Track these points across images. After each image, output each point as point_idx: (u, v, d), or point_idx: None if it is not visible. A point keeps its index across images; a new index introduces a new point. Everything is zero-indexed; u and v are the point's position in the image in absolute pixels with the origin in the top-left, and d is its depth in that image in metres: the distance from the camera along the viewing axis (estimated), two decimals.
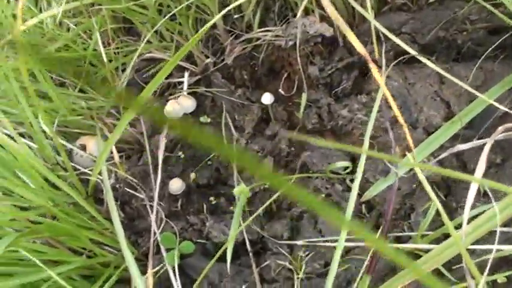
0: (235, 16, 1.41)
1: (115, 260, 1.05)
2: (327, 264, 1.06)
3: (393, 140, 0.99)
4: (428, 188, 0.82)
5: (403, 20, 1.26)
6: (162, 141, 1.14)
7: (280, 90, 1.36)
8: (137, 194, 1.14)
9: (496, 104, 0.96)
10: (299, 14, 1.17)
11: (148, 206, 1.13)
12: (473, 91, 0.99)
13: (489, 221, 0.85)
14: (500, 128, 0.86)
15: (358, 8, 1.07)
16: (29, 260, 0.83)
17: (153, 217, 1.07)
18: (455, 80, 0.99)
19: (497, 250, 0.89)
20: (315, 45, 1.29)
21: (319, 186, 1.19)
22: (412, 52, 0.99)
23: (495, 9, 1.10)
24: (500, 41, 1.18)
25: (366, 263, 1.01)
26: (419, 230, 1.01)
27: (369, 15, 1.04)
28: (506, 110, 0.96)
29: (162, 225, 1.10)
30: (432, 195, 0.86)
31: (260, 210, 1.04)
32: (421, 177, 0.92)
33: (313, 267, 1.05)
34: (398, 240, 1.07)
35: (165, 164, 1.28)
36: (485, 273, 0.73)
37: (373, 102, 1.21)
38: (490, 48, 1.19)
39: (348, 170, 1.17)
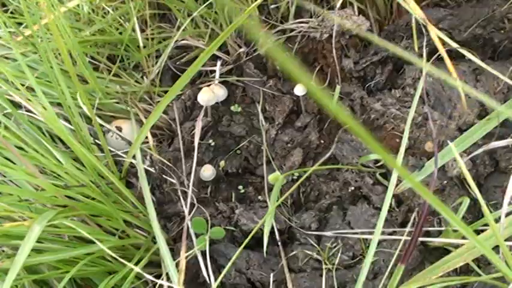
0: (272, 6, 1.41)
1: (146, 242, 1.07)
2: (355, 256, 1.07)
3: (434, 132, 0.99)
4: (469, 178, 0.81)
5: (441, 15, 1.25)
6: (199, 124, 1.15)
7: (312, 82, 1.36)
8: (169, 179, 1.16)
9: None
10: (338, 5, 1.17)
11: (179, 191, 1.14)
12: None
13: None
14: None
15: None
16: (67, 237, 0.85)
17: (183, 203, 1.08)
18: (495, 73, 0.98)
19: None
20: (350, 38, 1.29)
21: (349, 179, 1.19)
22: (454, 45, 0.98)
23: None
24: None
25: (398, 252, 1.02)
26: (449, 225, 1.00)
27: (412, 7, 1.03)
28: None
29: (194, 210, 1.11)
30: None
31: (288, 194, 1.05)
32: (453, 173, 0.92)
33: (341, 258, 1.06)
34: (428, 235, 1.07)
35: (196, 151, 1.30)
36: None
37: (407, 97, 1.21)
38: None
39: (378, 164, 1.17)
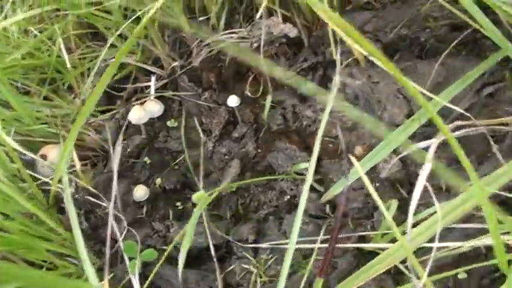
0: (201, 18, 1.40)
1: (76, 271, 1.04)
2: (291, 267, 1.06)
3: (343, 142, 0.99)
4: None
5: (365, 18, 1.26)
6: (118, 150, 1.13)
7: (246, 92, 1.36)
8: (100, 203, 1.14)
9: (450, 105, 0.95)
10: (258, 15, 1.16)
11: (111, 215, 1.12)
12: (428, 93, 0.99)
13: (444, 218, 0.85)
14: (450, 126, 0.86)
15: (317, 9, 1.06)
16: None
17: (109, 227, 1.06)
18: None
19: (454, 248, 0.89)
20: (280, 46, 1.29)
21: (285, 188, 1.18)
22: (365, 53, 0.98)
23: (454, 6, 1.10)
24: (461, 37, 1.18)
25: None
26: (380, 229, 1.00)
27: (330, 15, 1.03)
28: (461, 111, 0.96)
29: (124, 233, 1.09)
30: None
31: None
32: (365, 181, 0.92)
33: (276, 270, 1.05)
34: (363, 239, 1.07)
35: (131, 171, 1.28)
36: (427, 271, 0.73)
37: (338, 102, 1.21)
38: (452, 45, 1.18)
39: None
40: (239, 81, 1.39)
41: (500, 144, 1.11)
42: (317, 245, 1.00)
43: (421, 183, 0.76)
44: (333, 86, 0.93)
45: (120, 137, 1.21)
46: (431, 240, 0.84)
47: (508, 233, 0.85)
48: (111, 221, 1.00)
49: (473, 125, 0.95)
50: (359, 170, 0.93)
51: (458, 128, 0.92)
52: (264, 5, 1.14)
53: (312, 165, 0.82)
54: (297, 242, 1.07)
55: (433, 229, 0.84)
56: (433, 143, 0.85)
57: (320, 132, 0.84)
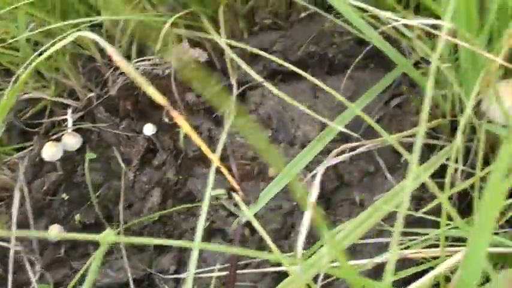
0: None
1: None
2: None
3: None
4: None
5: (273, 38, 1.28)
6: (33, 189, 1.10)
7: (164, 118, 1.35)
8: (12, 247, 1.10)
9: (362, 114, 0.96)
10: (156, 46, 1.16)
11: (25, 258, 1.09)
12: (346, 101, 1.01)
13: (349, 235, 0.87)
14: (334, 152, 0.88)
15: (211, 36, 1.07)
16: None
17: (30, 270, 1.03)
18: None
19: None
20: (192, 70, 1.29)
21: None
22: (256, 76, 1.00)
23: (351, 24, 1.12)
24: (366, 51, 1.21)
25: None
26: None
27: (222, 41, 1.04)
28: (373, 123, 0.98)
29: (37, 276, 1.06)
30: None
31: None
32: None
33: None
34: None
35: (49, 208, 1.25)
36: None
37: (252, 123, 1.22)
38: (358, 59, 1.21)
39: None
40: (156, 108, 1.38)
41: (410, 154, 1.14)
42: (215, 274, 1.00)
43: (307, 214, 0.77)
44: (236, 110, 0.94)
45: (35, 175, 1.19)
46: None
47: (408, 247, 0.87)
48: (26, 258, 0.97)
49: (362, 145, 0.98)
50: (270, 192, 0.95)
51: (353, 148, 0.94)
52: (163, 32, 1.14)
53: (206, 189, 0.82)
54: (219, 270, 1.08)
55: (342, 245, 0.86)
56: (319, 171, 0.86)
57: (217, 153, 0.85)
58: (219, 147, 1.21)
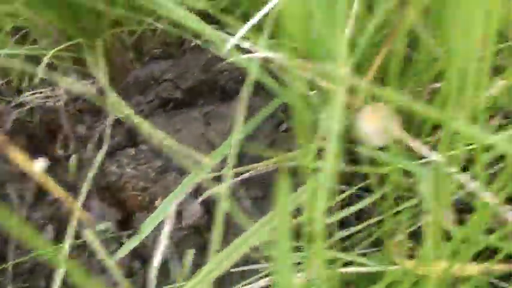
0: (1, 82, 1.35)
1: None
2: None
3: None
4: None
5: (165, 67, 1.28)
6: None
7: (58, 152, 1.32)
8: None
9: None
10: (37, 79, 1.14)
11: None
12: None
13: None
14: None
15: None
16: None
17: None
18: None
19: None
20: (83, 102, 1.28)
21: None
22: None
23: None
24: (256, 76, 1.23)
25: None
26: (177, 280, 1.01)
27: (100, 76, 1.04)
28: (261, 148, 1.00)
29: None
30: None
31: None
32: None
33: None
34: None
35: None
36: None
37: (141, 154, 1.21)
38: (248, 85, 1.23)
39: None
40: (51, 141, 1.35)
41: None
42: None
43: (162, 243, 0.77)
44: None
45: None
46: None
47: None
48: None
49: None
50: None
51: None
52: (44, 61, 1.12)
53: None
54: None
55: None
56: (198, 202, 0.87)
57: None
58: (112, 179, 1.20)
